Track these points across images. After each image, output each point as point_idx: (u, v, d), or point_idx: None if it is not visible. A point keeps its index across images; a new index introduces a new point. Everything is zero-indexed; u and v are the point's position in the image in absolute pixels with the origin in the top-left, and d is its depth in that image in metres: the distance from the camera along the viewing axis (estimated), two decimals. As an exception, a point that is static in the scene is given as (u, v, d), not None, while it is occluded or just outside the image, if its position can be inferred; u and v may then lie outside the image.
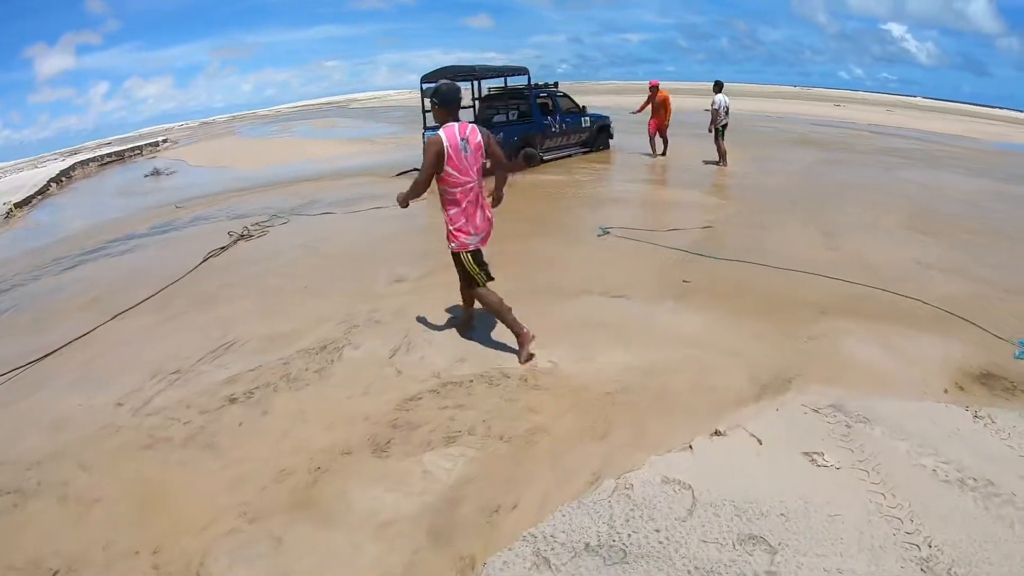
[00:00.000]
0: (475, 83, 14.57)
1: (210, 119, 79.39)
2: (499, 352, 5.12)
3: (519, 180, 13.14)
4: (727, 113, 13.91)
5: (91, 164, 32.51)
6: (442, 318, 5.88)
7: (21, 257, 10.99)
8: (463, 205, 4.79)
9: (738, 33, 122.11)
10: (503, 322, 5.06)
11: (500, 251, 7.75)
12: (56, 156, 45.23)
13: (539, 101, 15.31)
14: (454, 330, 5.59)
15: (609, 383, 4.53)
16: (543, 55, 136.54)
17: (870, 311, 5.75)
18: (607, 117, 17.48)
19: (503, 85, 15.14)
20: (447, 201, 4.85)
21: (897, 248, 7.79)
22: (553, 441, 3.93)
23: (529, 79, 15.13)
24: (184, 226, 11.70)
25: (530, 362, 4.92)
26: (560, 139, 15.84)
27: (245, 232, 9.94)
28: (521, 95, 15.18)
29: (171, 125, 77.57)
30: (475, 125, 4.82)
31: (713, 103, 13.80)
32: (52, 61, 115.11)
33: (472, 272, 4.97)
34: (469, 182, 4.75)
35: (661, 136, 15.62)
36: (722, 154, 14.29)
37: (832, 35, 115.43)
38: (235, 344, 5.67)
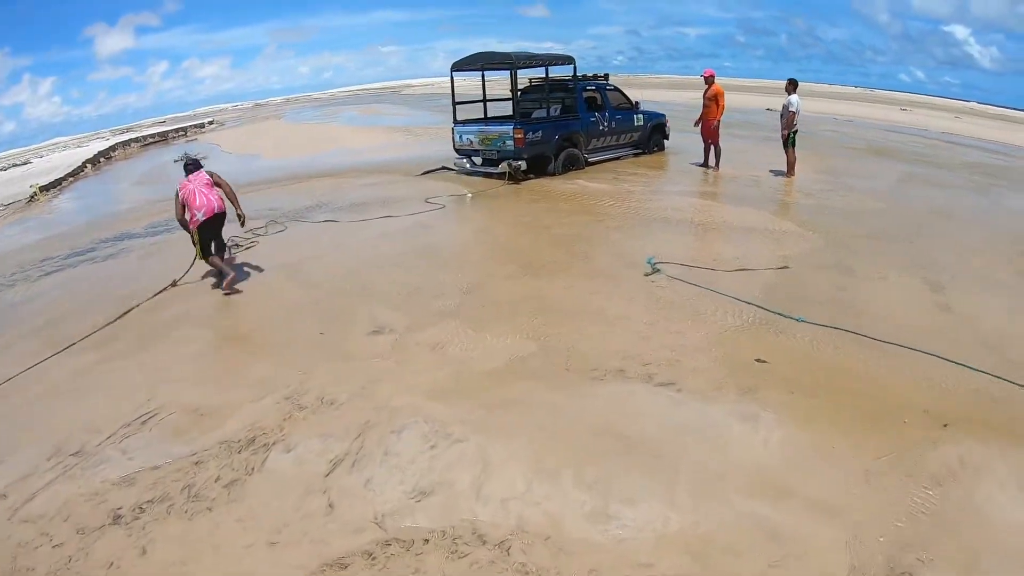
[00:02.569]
0: (513, 73, 12.51)
1: (264, 101, 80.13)
2: (482, 487, 3.47)
3: (556, 188, 11.54)
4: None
5: (133, 145, 32.16)
6: (416, 407, 4.27)
7: (15, 253, 10.64)
8: (193, 215, 6.73)
9: (797, 30, 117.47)
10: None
11: (527, 292, 6.31)
12: (110, 133, 45.62)
13: (586, 95, 13.49)
14: (424, 429, 3.99)
15: (635, 571, 2.87)
16: (600, 46, 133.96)
17: (1007, 423, 3.95)
18: (662, 115, 15.48)
19: (544, 76, 13.33)
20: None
21: (1022, 310, 5.85)
22: None
23: (575, 69, 13.27)
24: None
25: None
26: (608, 139, 13.98)
27: (231, 244, 8.62)
28: (565, 87, 13.40)
29: (226, 105, 78.50)
30: (204, 171, 7.00)
31: (789, 104, 11.80)
32: (112, 40, 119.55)
33: (193, 244, 6.97)
34: (198, 201, 6.71)
35: (713, 144, 13.16)
36: (791, 164, 12.34)
37: (894, 35, 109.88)
38: (153, 417, 4.51)
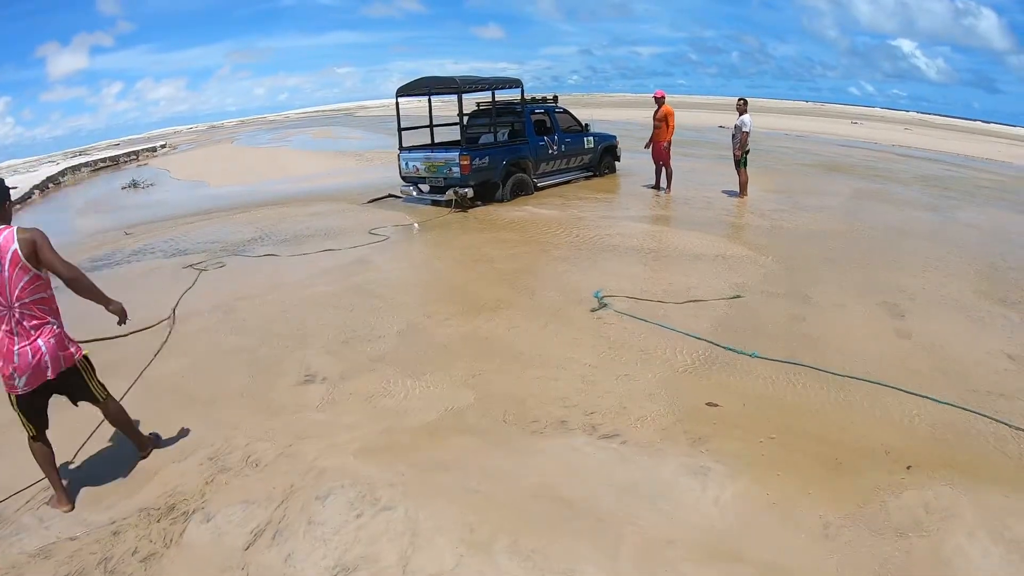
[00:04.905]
0: (459, 98, 12.44)
1: (219, 123, 79.18)
2: (409, 562, 3.16)
3: (503, 216, 11.35)
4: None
5: (83, 169, 31.29)
6: (344, 468, 3.97)
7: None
8: None
9: (749, 47, 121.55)
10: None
11: (467, 333, 6.03)
12: (63, 156, 44.35)
13: (534, 118, 13.42)
14: (351, 495, 3.70)
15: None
16: (554, 66, 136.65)
17: (973, 460, 3.81)
18: (613, 137, 15.56)
19: (491, 99, 13.08)
20: None
21: (981, 334, 5.78)
22: None
23: (523, 92, 13.21)
24: (121, 261, 10.28)
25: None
26: (558, 162, 13.92)
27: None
28: (513, 111, 13.31)
29: (180, 128, 77.52)
30: (14, 228, 3.40)
31: (742, 125, 11.79)
32: (65, 60, 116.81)
33: (19, 418, 3.70)
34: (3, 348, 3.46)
35: (665, 165, 13.24)
36: (743, 184, 12.39)
37: (842, 51, 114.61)
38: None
